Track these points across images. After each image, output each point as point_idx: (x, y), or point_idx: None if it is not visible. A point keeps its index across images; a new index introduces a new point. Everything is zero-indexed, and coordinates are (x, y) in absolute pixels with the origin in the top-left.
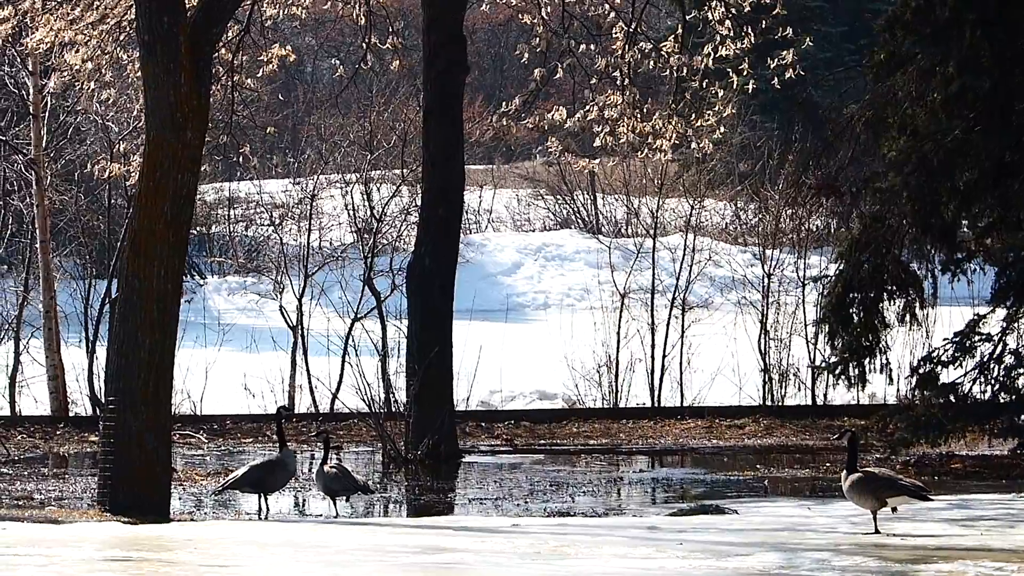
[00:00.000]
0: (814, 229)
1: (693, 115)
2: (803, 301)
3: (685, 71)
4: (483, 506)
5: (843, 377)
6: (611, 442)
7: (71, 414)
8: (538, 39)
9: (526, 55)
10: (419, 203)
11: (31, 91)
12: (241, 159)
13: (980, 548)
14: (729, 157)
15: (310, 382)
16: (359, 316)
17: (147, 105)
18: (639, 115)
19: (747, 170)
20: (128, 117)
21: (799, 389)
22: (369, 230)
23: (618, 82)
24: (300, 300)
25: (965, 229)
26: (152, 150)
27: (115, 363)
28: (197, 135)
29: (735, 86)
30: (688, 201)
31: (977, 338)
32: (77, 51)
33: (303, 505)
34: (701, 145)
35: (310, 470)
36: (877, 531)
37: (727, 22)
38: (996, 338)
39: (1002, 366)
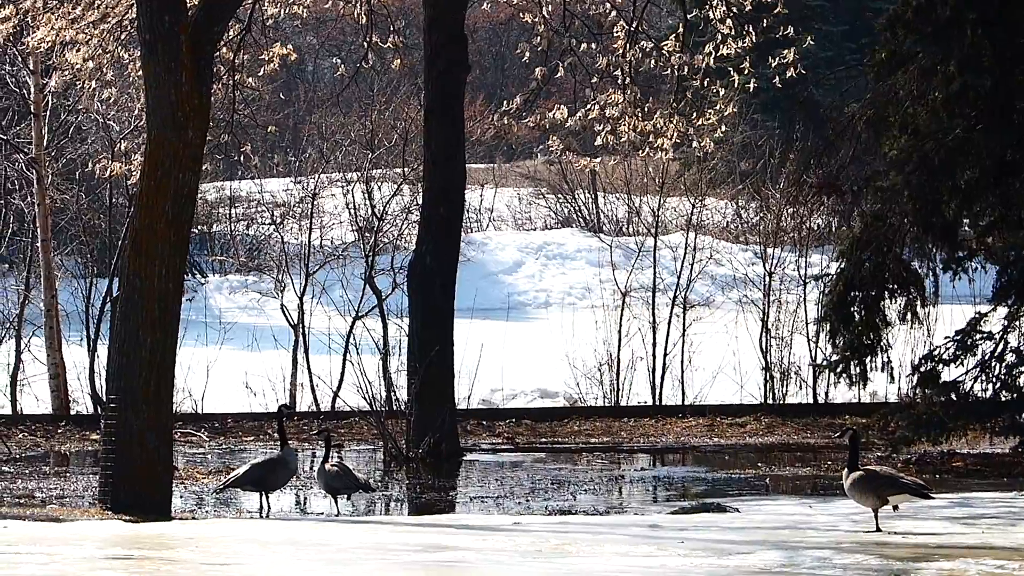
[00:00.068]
0: (815, 228)
1: (694, 114)
2: (804, 299)
3: (686, 70)
4: (484, 504)
5: (844, 375)
6: (612, 440)
7: (72, 412)
8: (539, 38)
9: (527, 54)
10: (420, 202)
11: (32, 90)
12: (242, 158)
13: (981, 546)
14: (730, 156)
15: (311, 380)
16: (360, 314)
17: (148, 104)
18: (640, 114)
19: (748, 169)
20: (129, 116)
21: (800, 387)
22: (370, 229)
23: (619, 81)
24: (301, 299)
25: (966, 228)
26: (153, 149)
27: (116, 362)
28: (198, 134)
29: (736, 85)
30: (689, 200)
31: (978, 336)
32: (78, 50)
33: (304, 503)
34: (702, 144)
35: (311, 468)
36: (878, 529)
37: (728, 21)
38: (997, 336)
39: (1003, 364)
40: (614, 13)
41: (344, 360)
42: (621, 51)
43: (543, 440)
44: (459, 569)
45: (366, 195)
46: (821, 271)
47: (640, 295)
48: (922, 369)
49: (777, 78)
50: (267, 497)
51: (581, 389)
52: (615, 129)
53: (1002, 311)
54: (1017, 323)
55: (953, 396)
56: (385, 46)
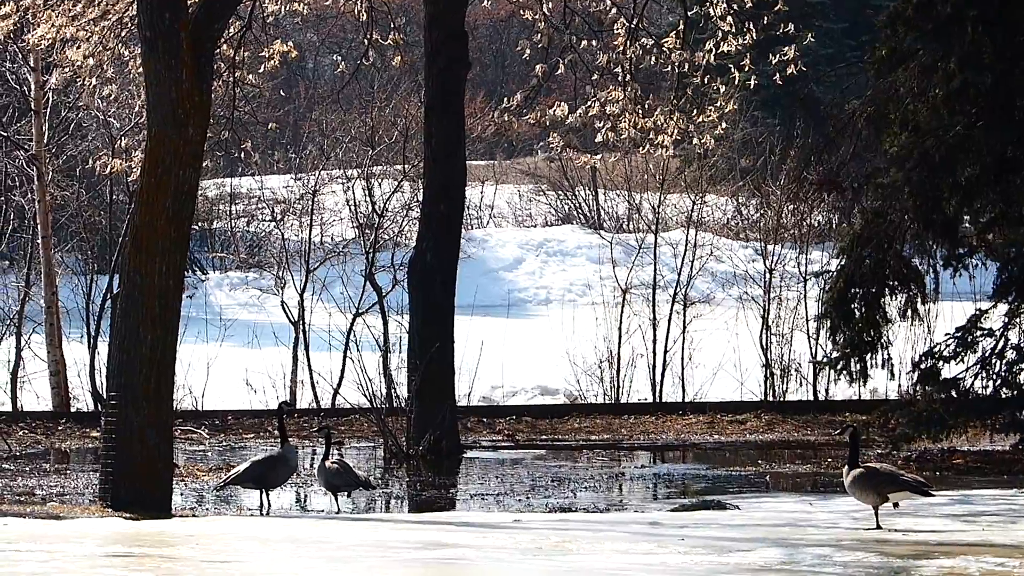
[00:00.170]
0: (816, 224)
1: (695, 111)
2: (805, 296)
3: (687, 67)
4: (484, 502)
5: (845, 372)
6: (612, 438)
7: (73, 410)
8: (540, 35)
9: (528, 51)
10: (421, 199)
11: (33, 87)
12: (243, 155)
13: (982, 544)
14: (731, 153)
15: (311, 377)
16: (360, 311)
17: (149, 101)
18: (641, 111)
19: (749, 166)
20: (130, 113)
21: (800, 384)
22: (371, 226)
23: (620, 78)
24: (302, 296)
25: (967, 224)
26: (154, 146)
27: (116, 359)
28: (199, 131)
29: (737, 82)
30: (690, 197)
31: (979, 333)
32: (78, 47)
33: (304, 501)
34: (703, 141)
35: (311, 466)
36: (879, 526)
37: (729, 18)
38: (998, 333)
39: (1004, 361)
40: (614, 10)
41: (344, 357)
42: (622, 48)
43: (543, 437)
44: (459, 566)
45: (366, 192)
46: (821, 268)
47: (640, 292)
48: (922, 366)
49: (778, 75)
50: (267, 494)
51: (581, 386)
52: (615, 126)
53: (1002, 308)
54: (1017, 320)
55: (953, 393)
56: (385, 43)
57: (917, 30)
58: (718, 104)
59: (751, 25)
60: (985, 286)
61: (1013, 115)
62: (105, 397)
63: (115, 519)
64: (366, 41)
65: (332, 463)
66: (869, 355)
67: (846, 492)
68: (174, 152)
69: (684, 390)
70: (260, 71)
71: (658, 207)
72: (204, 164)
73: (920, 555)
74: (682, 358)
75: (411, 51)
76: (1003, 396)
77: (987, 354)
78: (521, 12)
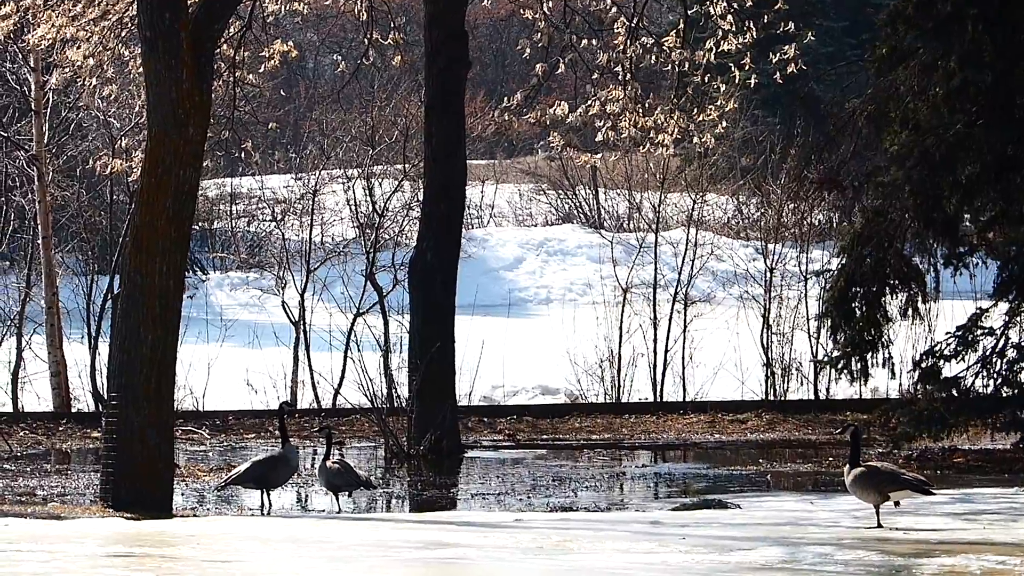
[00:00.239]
0: (816, 223)
1: (695, 110)
2: (805, 295)
3: (687, 66)
4: (485, 501)
5: (845, 371)
6: (613, 437)
7: (73, 410)
8: (540, 34)
9: (528, 50)
10: (421, 198)
11: (33, 87)
12: (243, 155)
13: (983, 542)
14: (731, 152)
15: (312, 378)
16: (361, 311)
17: (149, 101)
18: (641, 110)
19: (749, 165)
20: (130, 113)
21: (801, 384)
22: (371, 225)
23: (620, 77)
24: (302, 296)
25: (967, 223)
26: (154, 146)
27: (117, 359)
28: (199, 131)
29: (737, 81)
30: (690, 196)
31: (979, 332)
32: (79, 47)
33: (305, 501)
34: (703, 140)
35: (312, 466)
36: (880, 525)
37: (729, 17)
38: (998, 332)
39: (1004, 360)
40: (615, 9)
41: (345, 357)
42: (622, 47)
43: (544, 437)
44: (460, 566)
45: (367, 191)
46: (822, 267)
47: (641, 291)
48: (923, 365)
49: (778, 74)
50: (268, 494)
51: (582, 386)
52: (616, 125)
53: (1003, 307)
54: (1018, 319)
55: (954, 392)
56: (386, 43)
57: (917, 28)
58: (718, 103)
59: (751, 24)
60: (986, 285)
61: (1013, 113)
62: (106, 397)
63: (116, 519)
64: (366, 41)
65: (333, 463)
66: (870, 354)
67: (847, 491)
68: (174, 152)
69: (685, 389)
70: (260, 71)
71: (658, 206)
72: (204, 164)
73: (921, 553)
74: (683, 357)
75: (411, 50)
76: (1004, 395)
77: (988, 353)
78: (521, 11)
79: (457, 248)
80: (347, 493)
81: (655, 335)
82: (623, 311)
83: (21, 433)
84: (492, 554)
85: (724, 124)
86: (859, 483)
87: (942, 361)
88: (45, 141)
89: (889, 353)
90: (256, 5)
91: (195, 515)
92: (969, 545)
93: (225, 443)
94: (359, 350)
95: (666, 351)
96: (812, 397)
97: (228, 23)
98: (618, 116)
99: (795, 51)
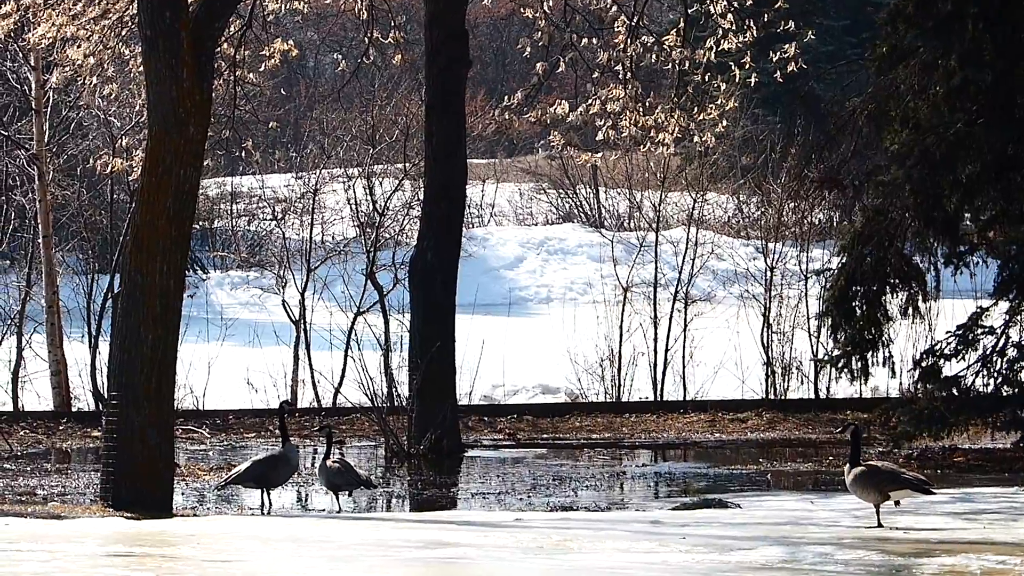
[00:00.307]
0: (816, 222)
1: (695, 109)
2: (806, 294)
3: (687, 65)
4: (486, 501)
5: (846, 370)
6: (614, 436)
7: (74, 409)
8: (540, 33)
9: (528, 49)
10: (421, 198)
11: (33, 86)
12: (243, 154)
13: (983, 541)
14: (731, 151)
15: (313, 377)
16: (361, 310)
17: (149, 100)
18: (641, 109)
19: (749, 163)
20: (130, 112)
21: (802, 383)
22: (371, 224)
23: (620, 76)
24: (303, 295)
25: (968, 222)
26: (154, 145)
27: (117, 358)
28: (199, 130)
29: (737, 79)
30: (690, 195)
31: (980, 331)
32: (79, 46)
33: (306, 500)
34: (703, 139)
35: (313, 465)
36: (880, 524)
37: (729, 16)
38: (999, 331)
39: (1005, 359)
40: (615, 8)
41: (345, 356)
42: (622, 46)
43: (544, 436)
44: (460, 565)
45: (367, 191)
46: (822, 266)
47: (641, 290)
48: (923, 364)
49: (778, 73)
50: (268, 494)
51: (582, 385)
52: (616, 124)
53: (1003, 306)
54: (1018, 318)
55: (954, 391)
56: (386, 42)
57: (918, 27)
58: (719, 102)
59: (751, 22)
60: (986, 284)
61: (1013, 113)
62: (106, 397)
63: (116, 519)
64: (367, 40)
65: (333, 462)
66: (870, 353)
67: (847, 490)
68: (175, 151)
69: (685, 388)
70: (261, 70)
71: (659, 205)
72: (205, 163)
73: (921, 553)
74: (683, 356)
75: (411, 49)
76: (1004, 394)
77: (988, 352)
78: (522, 10)
79: (457, 247)
80: (347, 492)
81: (655, 334)
82: (623, 310)
83: (21, 432)
84: (492, 553)
85: (724, 123)
86: (859, 482)
87: (942, 360)
88: (45, 140)
89: (889, 352)
90: (256, 4)
91: (195, 515)
92: (969, 544)
93: (225, 442)
94: (359, 349)
95: (666, 350)
96: (812, 396)
97: (228, 22)
98: (618, 115)
99: (795, 50)
